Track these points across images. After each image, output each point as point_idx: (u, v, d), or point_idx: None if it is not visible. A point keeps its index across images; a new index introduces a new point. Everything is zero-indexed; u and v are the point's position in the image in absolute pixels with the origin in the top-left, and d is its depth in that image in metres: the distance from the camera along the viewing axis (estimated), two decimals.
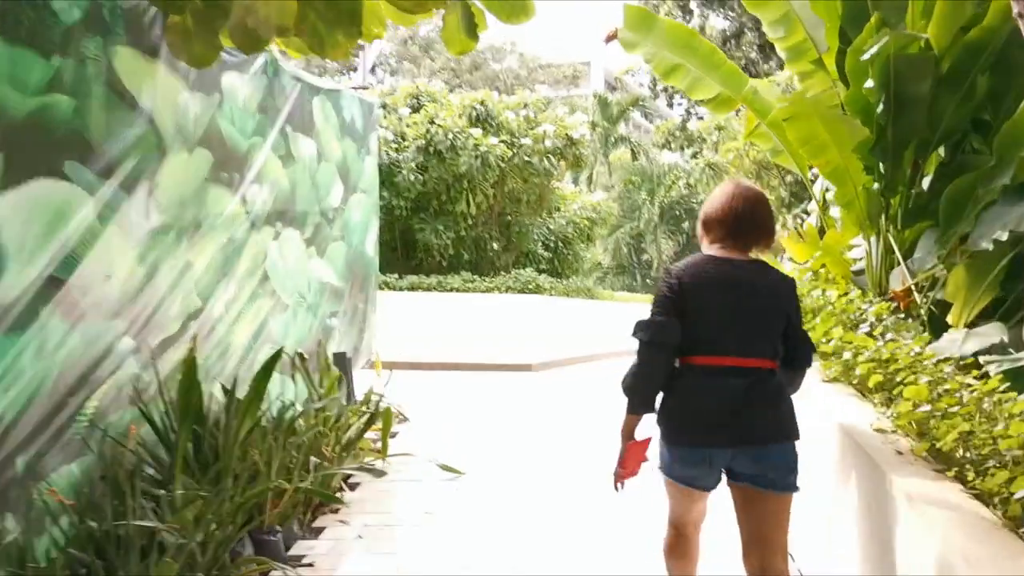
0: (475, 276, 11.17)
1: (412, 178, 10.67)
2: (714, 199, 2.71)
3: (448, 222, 11.26)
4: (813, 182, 7.54)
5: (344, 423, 4.46)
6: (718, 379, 2.54)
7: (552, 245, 13.24)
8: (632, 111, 35.57)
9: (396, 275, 11.04)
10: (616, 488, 2.67)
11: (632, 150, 34.47)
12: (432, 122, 11.21)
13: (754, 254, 2.67)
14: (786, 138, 5.48)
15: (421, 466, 4.79)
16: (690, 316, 2.55)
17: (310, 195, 5.08)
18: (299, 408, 4.30)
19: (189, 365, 3.24)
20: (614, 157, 34.92)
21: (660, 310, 2.57)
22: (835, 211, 5.92)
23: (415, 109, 12.02)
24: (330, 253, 5.45)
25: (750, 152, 8.66)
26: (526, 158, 11.57)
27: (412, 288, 10.82)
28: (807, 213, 8.04)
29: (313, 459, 3.88)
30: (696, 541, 2.77)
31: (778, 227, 7.64)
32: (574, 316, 13.02)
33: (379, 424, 4.73)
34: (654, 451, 2.64)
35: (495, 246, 12.05)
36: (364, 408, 4.77)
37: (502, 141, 10.98)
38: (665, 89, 32.22)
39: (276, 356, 3.47)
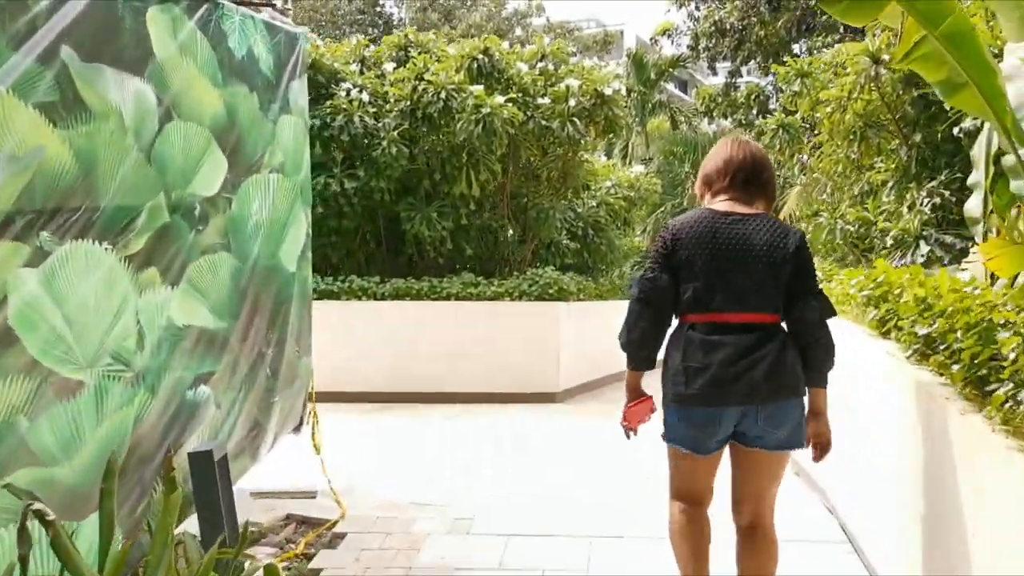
0: (480, 278, 9.11)
1: (395, 151, 8.70)
2: (715, 155, 2.89)
3: (444, 208, 9.25)
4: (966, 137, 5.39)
5: None
6: (722, 336, 2.65)
7: (580, 233, 11.20)
8: (668, 78, 33.31)
9: (378, 279, 9.01)
10: (628, 436, 2.90)
11: (672, 117, 32.19)
12: (420, 78, 9.12)
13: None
14: (978, 60, 3.38)
15: None
16: (686, 272, 2.71)
17: (140, 178, 3.07)
18: None
19: None
20: (652, 126, 32.64)
21: (653, 266, 2.77)
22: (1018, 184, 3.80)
23: (402, 63, 9.94)
24: (196, 275, 3.45)
25: (857, 102, 6.48)
26: (544, 122, 9.50)
27: (397, 295, 8.83)
28: (946, 189, 5.85)
29: None
30: (705, 519, 2.82)
31: (903, 208, 4.78)
32: (609, 322, 10.94)
33: None
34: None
35: (507, 237, 10.00)
36: None
37: (511, 100, 8.90)
38: (708, 49, 30.27)
39: None
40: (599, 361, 10.57)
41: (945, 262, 5.60)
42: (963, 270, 5.21)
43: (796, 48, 26.97)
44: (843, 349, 3.86)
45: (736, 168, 2.77)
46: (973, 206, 4.77)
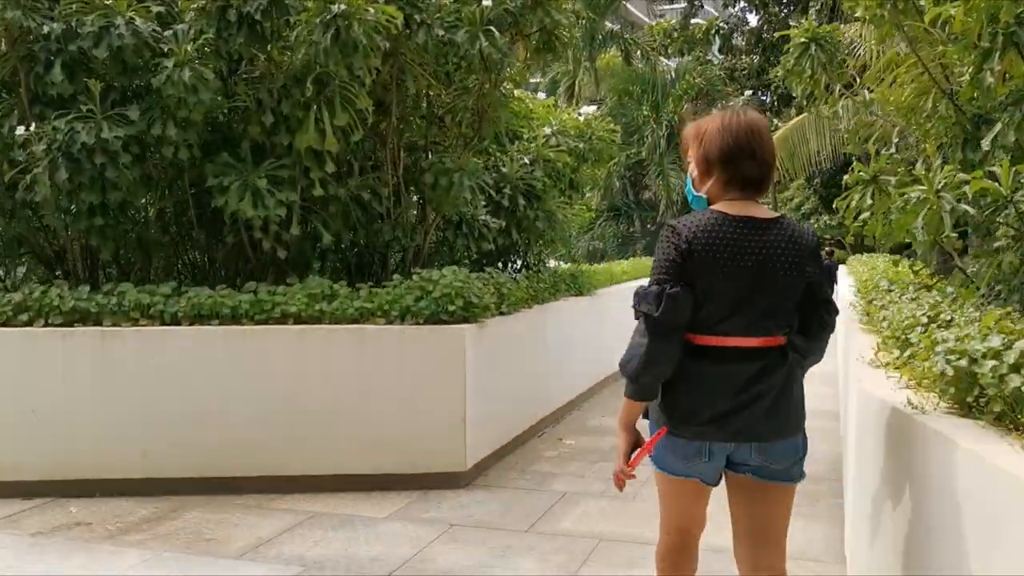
0: (339, 285, 5.93)
1: (191, 78, 5.36)
2: (718, 134, 2.57)
3: (282, 171, 6.00)
4: None
5: None
6: (723, 364, 2.53)
7: (507, 204, 8.10)
8: (614, 10, 30.17)
9: (167, 290, 5.75)
10: (620, 489, 2.72)
11: (626, 51, 29.07)
12: None
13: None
14: None
15: None
16: (698, 288, 2.51)
17: None
18: None
19: None
20: (602, 61, 29.45)
21: (670, 278, 2.51)
22: None
23: None
24: None
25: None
26: (444, 33, 6.25)
27: (198, 316, 5.66)
28: None
29: None
30: (696, 550, 2.82)
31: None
32: (546, 337, 7.90)
33: None
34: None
35: (389, 215, 6.84)
36: None
37: None
38: None
39: None
40: (529, 404, 7.44)
41: None
42: None
43: None
44: None
45: (747, 156, 2.50)
46: None
